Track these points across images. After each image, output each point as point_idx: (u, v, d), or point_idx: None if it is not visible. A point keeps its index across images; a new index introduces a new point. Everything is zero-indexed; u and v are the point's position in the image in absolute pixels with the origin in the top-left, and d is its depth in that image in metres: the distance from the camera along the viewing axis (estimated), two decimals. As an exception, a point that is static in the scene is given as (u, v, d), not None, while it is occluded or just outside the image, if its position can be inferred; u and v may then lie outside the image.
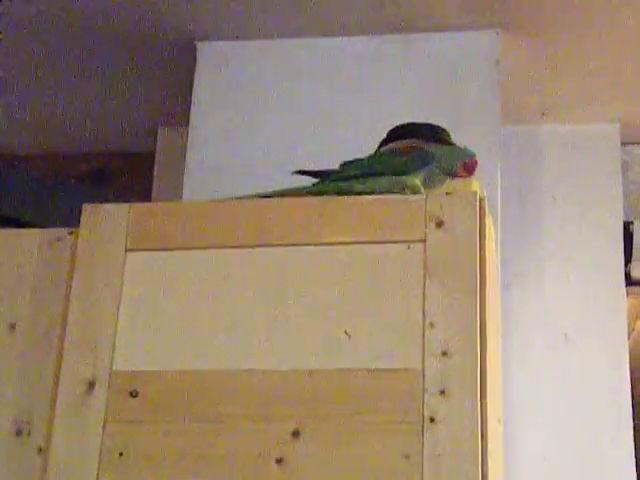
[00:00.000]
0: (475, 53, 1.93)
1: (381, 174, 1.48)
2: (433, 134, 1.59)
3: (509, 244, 1.94)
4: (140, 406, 1.37)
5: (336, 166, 1.56)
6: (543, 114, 2.15)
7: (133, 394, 1.37)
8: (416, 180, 1.45)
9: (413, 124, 1.63)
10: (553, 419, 1.95)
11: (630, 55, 1.96)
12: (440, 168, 1.47)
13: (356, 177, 1.49)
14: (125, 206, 1.47)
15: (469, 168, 1.47)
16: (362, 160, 1.53)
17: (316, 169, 1.56)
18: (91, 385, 1.38)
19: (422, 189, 1.45)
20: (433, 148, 1.51)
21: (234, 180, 1.90)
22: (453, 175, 1.47)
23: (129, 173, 2.36)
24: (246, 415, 1.34)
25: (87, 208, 1.48)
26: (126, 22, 1.96)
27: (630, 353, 1.99)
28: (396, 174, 1.47)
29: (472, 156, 1.49)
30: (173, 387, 1.37)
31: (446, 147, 1.51)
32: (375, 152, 1.57)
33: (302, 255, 1.41)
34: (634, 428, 1.95)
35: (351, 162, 1.55)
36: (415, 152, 1.50)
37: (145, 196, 2.23)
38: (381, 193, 1.45)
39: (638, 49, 1.95)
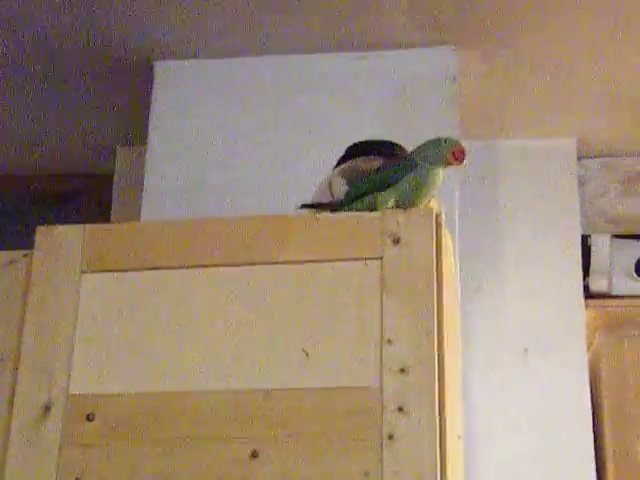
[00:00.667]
0: (432, 70, 1.94)
1: (368, 192, 1.48)
2: (389, 150, 1.60)
3: (468, 259, 1.94)
4: (97, 430, 1.35)
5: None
6: (501, 129, 2.16)
7: (90, 417, 1.36)
8: (388, 198, 1.45)
9: (370, 142, 1.64)
10: (514, 434, 1.95)
11: (587, 71, 1.98)
12: (429, 163, 1.47)
13: (354, 200, 1.49)
14: (80, 227, 1.46)
15: (459, 156, 1.47)
16: (360, 183, 1.53)
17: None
18: (47, 409, 1.36)
19: (389, 205, 1.45)
20: (416, 147, 1.50)
21: (192, 200, 1.89)
22: (445, 164, 1.47)
23: (88, 194, 2.34)
24: (204, 437, 1.33)
25: (41, 230, 1.47)
26: (83, 42, 1.95)
27: (590, 365, 2.00)
28: (383, 189, 1.47)
29: (459, 144, 1.49)
30: (130, 410, 1.35)
31: (428, 141, 1.51)
32: (364, 173, 1.57)
33: (259, 274, 1.40)
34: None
35: (356, 186, 1.55)
36: (397, 161, 1.50)
37: (105, 217, 2.21)
38: (370, 210, 1.44)
39: (594, 65, 1.96)
